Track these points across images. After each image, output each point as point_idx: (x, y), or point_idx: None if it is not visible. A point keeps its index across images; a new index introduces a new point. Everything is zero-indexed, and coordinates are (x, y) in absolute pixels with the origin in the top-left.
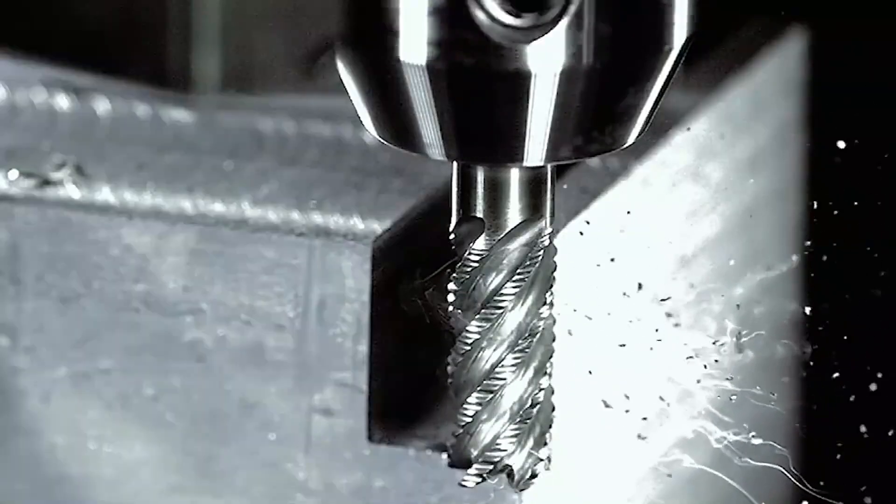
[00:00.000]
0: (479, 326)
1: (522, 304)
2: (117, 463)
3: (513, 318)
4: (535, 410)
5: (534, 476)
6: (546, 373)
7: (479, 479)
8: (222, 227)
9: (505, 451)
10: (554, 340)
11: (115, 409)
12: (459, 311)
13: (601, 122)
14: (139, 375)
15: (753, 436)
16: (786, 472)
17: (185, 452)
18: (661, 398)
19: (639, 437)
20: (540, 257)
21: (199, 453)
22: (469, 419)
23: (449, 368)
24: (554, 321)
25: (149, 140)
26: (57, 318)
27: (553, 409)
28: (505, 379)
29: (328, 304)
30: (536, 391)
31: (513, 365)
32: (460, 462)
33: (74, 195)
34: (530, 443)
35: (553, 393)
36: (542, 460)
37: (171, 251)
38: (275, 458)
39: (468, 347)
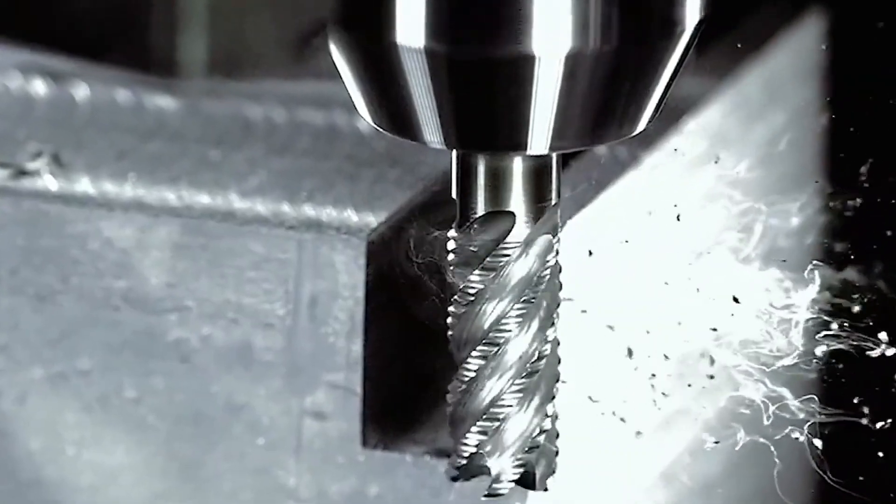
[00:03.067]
0: (482, 276)
1: (528, 252)
2: (97, 468)
3: (518, 268)
4: (541, 364)
5: (553, 472)
6: (552, 324)
7: (497, 494)
8: (208, 219)
9: (510, 406)
10: (560, 288)
11: (94, 411)
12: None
13: (609, 109)
14: (120, 376)
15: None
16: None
17: (168, 457)
18: (667, 395)
19: (638, 436)
20: (546, 278)
21: (184, 458)
22: (472, 374)
23: (450, 322)
24: (558, 343)
25: (131, 128)
26: (33, 316)
27: (559, 362)
28: (509, 332)
29: (320, 301)
30: (542, 344)
31: (517, 317)
32: (462, 478)
33: (52, 186)
34: (536, 399)
35: (559, 345)
36: (548, 416)
37: (153, 245)
38: (264, 464)
39: (471, 299)
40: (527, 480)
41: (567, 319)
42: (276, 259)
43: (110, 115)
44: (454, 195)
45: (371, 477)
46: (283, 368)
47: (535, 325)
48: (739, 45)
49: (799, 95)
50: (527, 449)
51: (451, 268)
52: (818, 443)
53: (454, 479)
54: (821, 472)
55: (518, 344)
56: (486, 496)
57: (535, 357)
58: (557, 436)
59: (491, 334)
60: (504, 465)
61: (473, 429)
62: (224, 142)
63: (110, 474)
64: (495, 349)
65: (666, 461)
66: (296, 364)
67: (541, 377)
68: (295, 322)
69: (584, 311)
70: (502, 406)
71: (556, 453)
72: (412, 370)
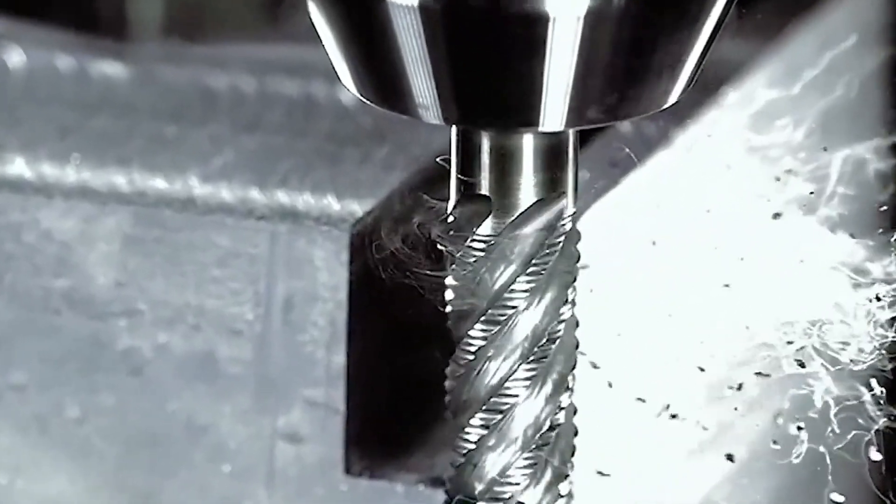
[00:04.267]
0: (485, 331)
1: (538, 304)
2: (34, 500)
3: (526, 321)
4: (553, 435)
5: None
6: (567, 388)
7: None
8: (164, 208)
9: (517, 485)
10: (577, 347)
11: (30, 433)
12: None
13: (635, 78)
14: (61, 392)
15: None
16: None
17: (117, 488)
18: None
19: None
20: (560, 245)
21: (136, 489)
22: (472, 446)
23: (447, 384)
24: (577, 324)
25: (73, 100)
26: None
27: (575, 433)
28: (516, 396)
29: (296, 304)
30: (555, 411)
31: (526, 378)
32: (463, 492)
33: None
34: (548, 476)
35: (575, 413)
36: (562, 497)
37: (100, 238)
38: (230, 495)
39: (471, 357)
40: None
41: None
42: (244, 254)
43: (49, 85)
44: (453, 179)
45: None
46: (253, 383)
47: (546, 299)
48: (789, 2)
49: (859, 59)
50: (536, 446)
51: (448, 258)
52: (878, 456)
53: (451, 484)
54: (882, 497)
55: (526, 320)
56: (486, 500)
57: (546, 337)
58: (576, 432)
59: (495, 308)
60: (508, 465)
61: (475, 421)
62: (183, 116)
63: None
64: (500, 326)
65: (709, 478)
66: (267, 378)
67: (553, 361)
68: (266, 328)
69: (600, 294)
70: (507, 394)
71: (573, 453)
72: (404, 385)
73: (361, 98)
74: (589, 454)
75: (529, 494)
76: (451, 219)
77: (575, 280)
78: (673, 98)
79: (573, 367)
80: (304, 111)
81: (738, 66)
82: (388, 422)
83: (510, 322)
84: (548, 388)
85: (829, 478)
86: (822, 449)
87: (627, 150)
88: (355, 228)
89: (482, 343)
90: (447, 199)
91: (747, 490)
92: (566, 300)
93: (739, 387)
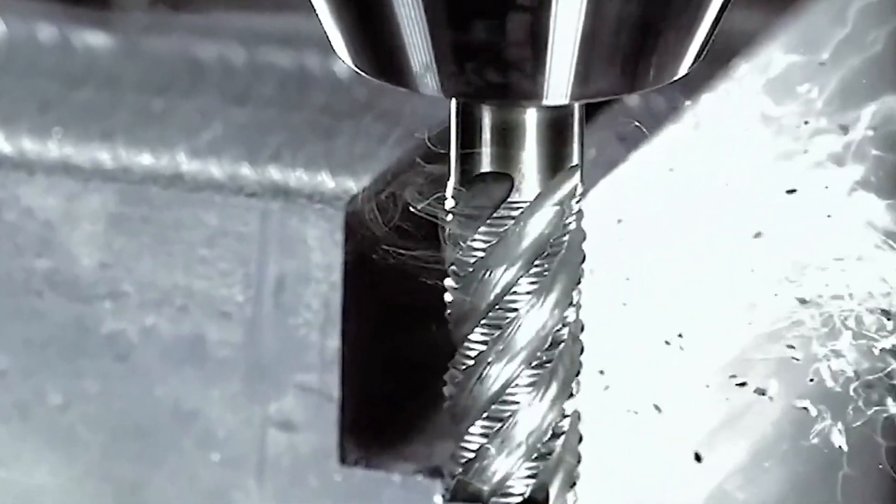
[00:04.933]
0: (485, 335)
1: (542, 306)
2: (15, 491)
3: (529, 324)
4: (557, 443)
5: (573, 485)
6: (572, 394)
7: None
8: (150, 184)
9: (520, 495)
10: (582, 351)
11: (11, 421)
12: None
13: (643, 48)
14: (43, 378)
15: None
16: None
17: (102, 478)
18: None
19: (696, 457)
20: (566, 239)
21: (122, 479)
22: (472, 455)
23: (446, 390)
24: (582, 327)
25: (55, 72)
26: None
27: (580, 440)
28: (519, 402)
29: (288, 286)
30: (559, 418)
31: (529, 384)
32: (461, 495)
33: None
34: (553, 487)
35: (580, 419)
36: (561, 435)
37: (84, 217)
38: (219, 486)
39: (471, 362)
40: (537, 500)
41: (594, 299)
42: (234, 233)
43: (30, 56)
44: (452, 155)
45: (350, 501)
46: (243, 368)
47: (550, 300)
48: None
49: (882, 28)
50: (540, 456)
51: (448, 239)
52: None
53: (451, 495)
54: None
55: (529, 323)
56: None
57: (551, 341)
58: (580, 440)
59: (496, 310)
60: (511, 476)
61: (475, 429)
62: (170, 89)
63: (32, 499)
64: (501, 329)
65: (720, 470)
66: (258, 362)
67: (557, 366)
68: (257, 311)
69: (610, 289)
70: (510, 401)
71: (578, 461)
72: (401, 370)
73: (357, 69)
74: (596, 445)
75: (533, 410)
76: (452, 198)
77: (580, 281)
78: (683, 69)
79: (578, 372)
80: (296, 83)
81: (751, 35)
82: (385, 409)
83: (512, 325)
84: (552, 394)
85: (844, 459)
86: (839, 428)
87: (636, 123)
88: (350, 206)
89: (483, 347)
90: (447, 178)
91: (763, 474)
92: (571, 302)
93: (753, 366)
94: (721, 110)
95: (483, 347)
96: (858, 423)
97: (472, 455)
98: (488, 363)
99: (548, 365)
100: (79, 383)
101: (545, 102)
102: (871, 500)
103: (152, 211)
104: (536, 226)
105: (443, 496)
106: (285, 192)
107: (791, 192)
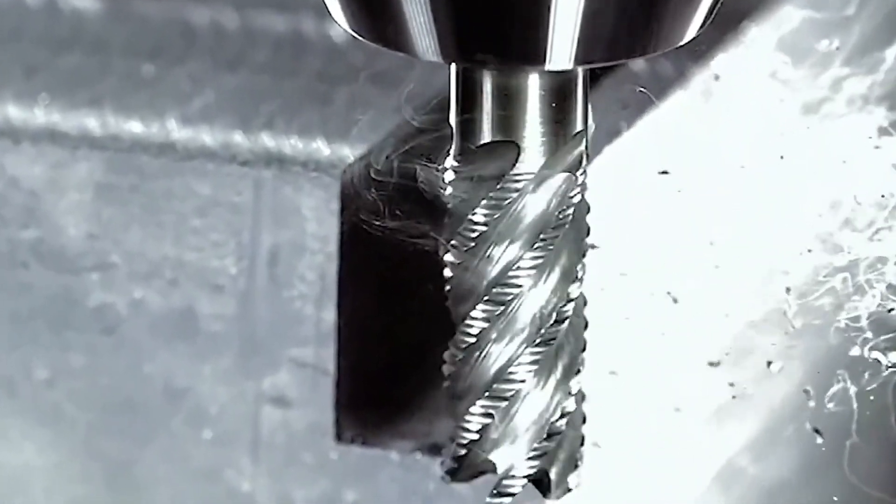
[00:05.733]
0: (487, 312)
1: (545, 282)
2: (0, 471)
3: (532, 301)
4: (562, 424)
5: (576, 467)
6: (577, 372)
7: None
8: (140, 153)
9: (522, 480)
10: (586, 328)
11: None
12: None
13: (649, 12)
14: (28, 353)
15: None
16: None
17: (90, 456)
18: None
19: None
20: (570, 214)
21: (110, 457)
22: (474, 437)
23: (446, 369)
24: (585, 302)
25: (41, 36)
26: None
27: (584, 421)
28: (522, 382)
29: (282, 257)
30: (564, 398)
31: (532, 363)
32: (462, 475)
33: None
34: (557, 467)
35: (584, 399)
36: (570, 489)
37: (71, 186)
38: (211, 464)
39: (472, 340)
40: (542, 483)
41: (597, 273)
42: (226, 203)
43: (15, 20)
44: (453, 122)
45: (346, 480)
46: (236, 342)
47: (554, 276)
48: None
49: None
50: (545, 437)
51: (448, 209)
52: None
53: (450, 476)
54: None
55: (532, 300)
56: (492, 495)
57: (555, 318)
58: (584, 420)
59: (498, 287)
60: (516, 457)
61: (476, 409)
62: (160, 54)
63: (17, 478)
64: (503, 306)
65: (729, 446)
66: (251, 336)
67: (562, 344)
68: (250, 283)
69: (614, 261)
70: (513, 380)
71: (582, 443)
72: (398, 344)
73: (353, 34)
74: (606, 415)
75: (537, 393)
76: (453, 170)
77: (584, 256)
78: (690, 34)
79: (583, 350)
80: (291, 48)
81: None
82: (383, 384)
83: (515, 302)
84: (556, 372)
85: (853, 426)
86: (852, 389)
87: (642, 89)
88: (346, 175)
89: (484, 325)
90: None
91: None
92: (575, 277)
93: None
94: (729, 78)
95: (484, 325)
96: (873, 385)
97: (473, 435)
98: (490, 341)
99: (552, 343)
100: (65, 358)
101: (548, 67)
102: (876, 470)
103: (142, 180)
104: (541, 199)
105: (442, 477)
106: (279, 161)
107: (815, 140)
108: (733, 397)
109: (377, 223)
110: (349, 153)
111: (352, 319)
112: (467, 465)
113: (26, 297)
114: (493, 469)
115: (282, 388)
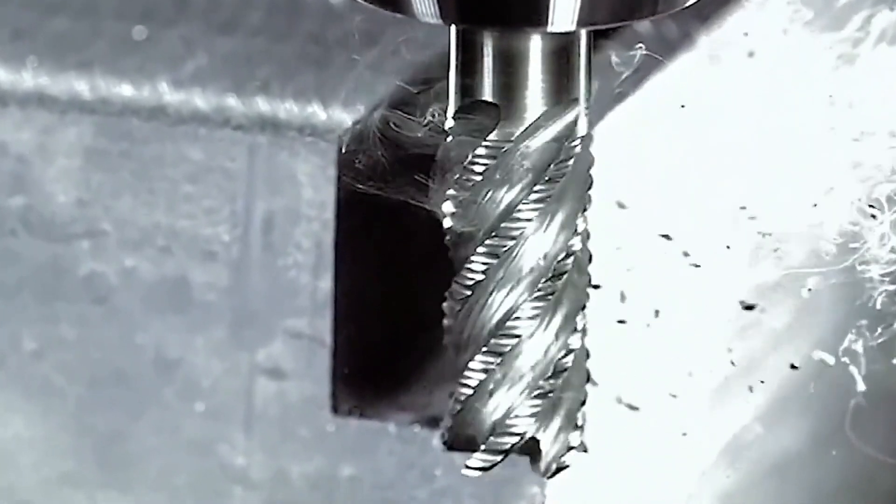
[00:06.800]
0: (486, 262)
1: (546, 230)
2: None
3: (532, 250)
4: (561, 380)
5: (564, 466)
6: (577, 328)
7: (489, 465)
8: (131, 117)
9: (522, 431)
10: (589, 283)
11: None
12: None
13: None
14: (16, 324)
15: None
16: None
17: (80, 430)
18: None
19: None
20: (570, 165)
21: (100, 431)
22: (473, 388)
23: (445, 322)
24: (590, 257)
25: None
26: None
27: (588, 378)
28: (522, 334)
29: (277, 224)
30: (564, 353)
31: (532, 316)
32: (460, 442)
33: None
34: (556, 422)
35: (588, 357)
36: (573, 447)
37: (60, 151)
38: (204, 437)
39: (471, 292)
40: (535, 456)
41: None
42: (219, 169)
43: None
44: (452, 86)
45: (343, 454)
46: (229, 313)
47: (554, 225)
48: None
49: None
50: (541, 392)
51: (446, 163)
52: None
53: (448, 438)
54: None
55: (535, 243)
56: (483, 451)
57: (554, 270)
58: (588, 378)
59: (500, 230)
60: (513, 404)
61: (475, 364)
62: (151, 16)
63: (5, 451)
64: (503, 255)
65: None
66: (245, 307)
67: (562, 296)
68: (244, 251)
69: (623, 208)
70: (513, 331)
71: (584, 401)
72: (397, 314)
73: None
74: (611, 382)
75: (539, 338)
76: (451, 129)
77: (587, 209)
78: None
79: (585, 305)
80: (286, 10)
81: None
82: (380, 355)
83: (515, 251)
84: (555, 326)
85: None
86: (860, 346)
87: (647, 51)
88: (343, 140)
89: (483, 275)
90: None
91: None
92: (577, 230)
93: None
94: (738, 41)
95: (483, 275)
96: (883, 339)
97: (472, 390)
98: (489, 292)
99: (551, 296)
100: (54, 329)
101: (550, 29)
102: (878, 431)
103: (133, 145)
104: (535, 146)
105: (443, 443)
106: (274, 125)
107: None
108: (732, 362)
109: (372, 185)
110: (346, 117)
111: (349, 289)
112: (464, 422)
113: (14, 266)
114: (490, 429)
115: (277, 360)
